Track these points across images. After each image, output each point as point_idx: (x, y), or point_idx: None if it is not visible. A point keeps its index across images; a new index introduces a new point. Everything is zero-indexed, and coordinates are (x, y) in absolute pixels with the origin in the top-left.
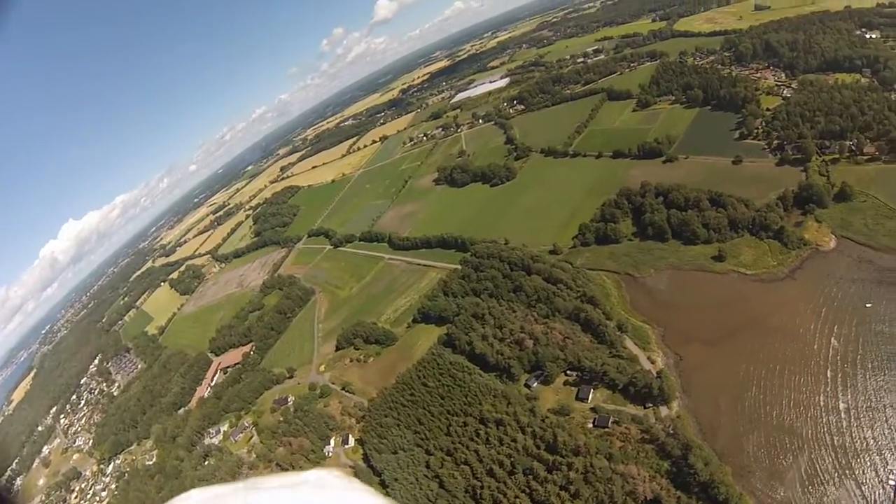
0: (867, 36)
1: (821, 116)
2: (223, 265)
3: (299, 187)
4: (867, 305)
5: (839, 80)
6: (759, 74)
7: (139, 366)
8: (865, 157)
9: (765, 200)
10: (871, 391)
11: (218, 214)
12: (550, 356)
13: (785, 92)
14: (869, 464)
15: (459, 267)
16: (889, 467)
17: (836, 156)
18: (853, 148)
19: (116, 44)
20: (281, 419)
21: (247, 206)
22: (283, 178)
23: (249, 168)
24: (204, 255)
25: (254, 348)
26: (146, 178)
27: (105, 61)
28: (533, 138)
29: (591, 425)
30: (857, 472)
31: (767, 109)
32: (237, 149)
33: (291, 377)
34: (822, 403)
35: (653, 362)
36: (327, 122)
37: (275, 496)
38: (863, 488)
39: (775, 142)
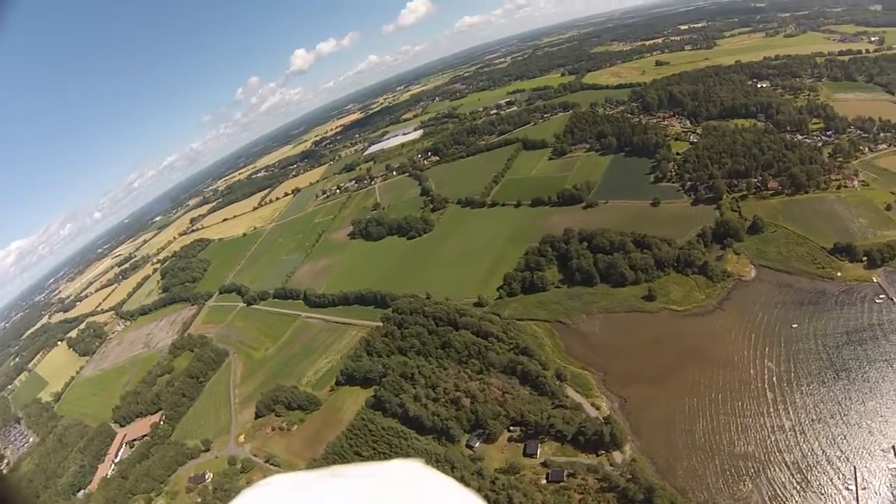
0: (759, 85)
1: (727, 158)
2: (128, 323)
3: (210, 240)
4: (793, 326)
5: (738, 125)
6: (666, 122)
7: (31, 439)
8: (770, 192)
9: (686, 238)
10: (811, 405)
11: (123, 267)
12: (491, 413)
13: (691, 137)
14: (825, 474)
15: (381, 324)
16: (843, 473)
17: (745, 192)
18: (759, 185)
19: (24, 82)
20: (199, 500)
21: (154, 259)
22: (193, 231)
23: (158, 218)
24: (107, 311)
25: (164, 417)
26: (46, 223)
27: (7, 98)
28: (449, 189)
29: (544, 481)
30: (815, 484)
31: (678, 154)
32: (146, 197)
33: (208, 450)
34: (768, 424)
35: (598, 408)
36: (239, 173)
37: (359, 483)
38: (825, 499)
39: (688, 183)
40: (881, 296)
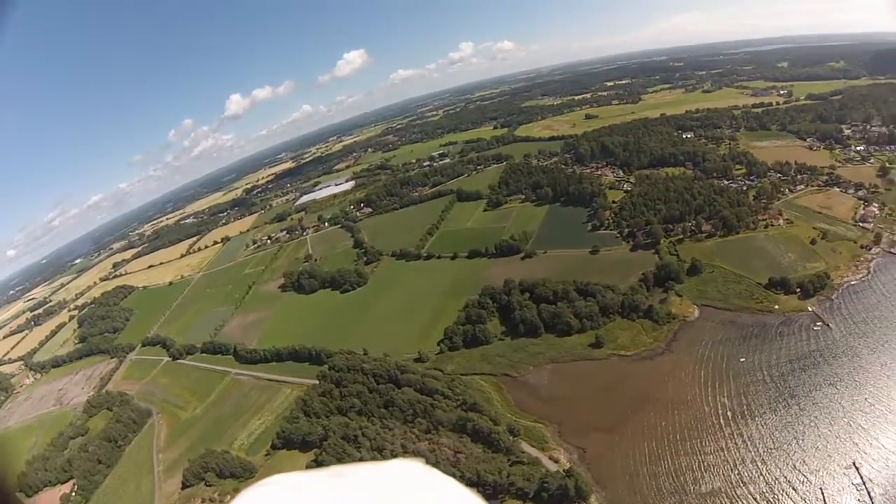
0: (684, 136)
1: (661, 204)
2: (38, 376)
3: (134, 288)
4: (741, 360)
5: (669, 173)
6: (599, 172)
7: None
8: (705, 235)
9: (628, 283)
10: (768, 434)
11: (36, 312)
12: (445, 474)
13: (625, 186)
14: (792, 500)
15: (318, 382)
16: (810, 497)
17: (681, 236)
18: (693, 228)
19: None
20: None
21: (72, 305)
22: (115, 276)
23: (79, 261)
24: (15, 361)
25: (76, 488)
26: None
27: None
28: (383, 241)
29: None
30: None
31: (613, 202)
32: (66, 237)
33: None
34: (730, 459)
35: (556, 461)
36: (167, 218)
37: (361, 483)
38: None
39: (626, 230)
40: (818, 323)
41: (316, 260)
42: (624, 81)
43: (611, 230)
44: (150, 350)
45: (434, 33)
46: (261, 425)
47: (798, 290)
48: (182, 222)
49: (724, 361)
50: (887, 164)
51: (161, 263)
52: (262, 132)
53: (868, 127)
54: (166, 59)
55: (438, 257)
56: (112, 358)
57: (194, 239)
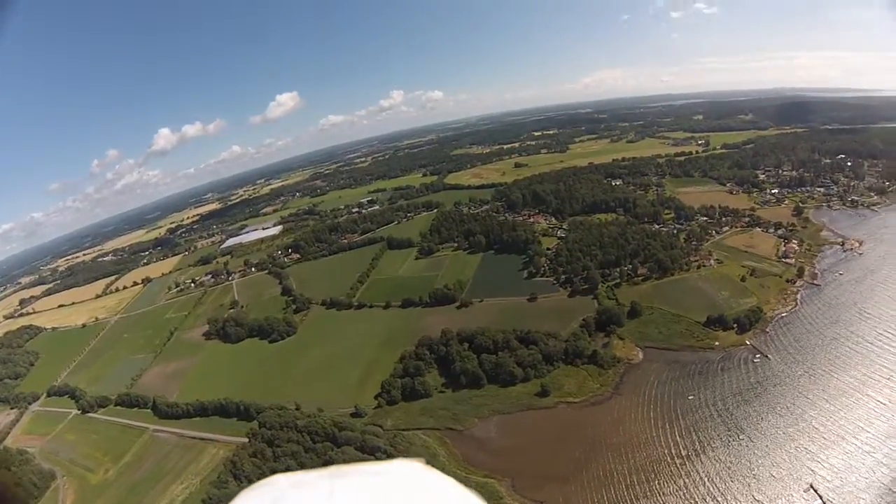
0: (613, 183)
1: (597, 250)
2: None
3: (41, 329)
4: (689, 398)
5: (602, 219)
6: (532, 219)
7: None
8: (641, 278)
9: (569, 330)
10: (723, 468)
11: None
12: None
13: (559, 233)
14: None
15: (248, 441)
16: None
17: (618, 280)
18: (630, 272)
19: None
20: None
21: None
22: (21, 314)
23: None
24: None
25: None
26: None
27: None
28: (312, 289)
29: None
30: None
31: (548, 249)
32: None
33: None
34: (690, 497)
35: None
36: (84, 254)
37: (362, 483)
38: None
39: (563, 276)
40: (757, 355)
41: (242, 307)
42: (551, 132)
43: (547, 277)
44: (57, 401)
45: (367, 80)
46: (184, 491)
47: (735, 325)
48: (100, 259)
49: (673, 400)
50: (800, 205)
51: (74, 303)
52: (189, 170)
53: (780, 172)
54: (94, 84)
55: (370, 306)
56: (12, 408)
57: (112, 278)
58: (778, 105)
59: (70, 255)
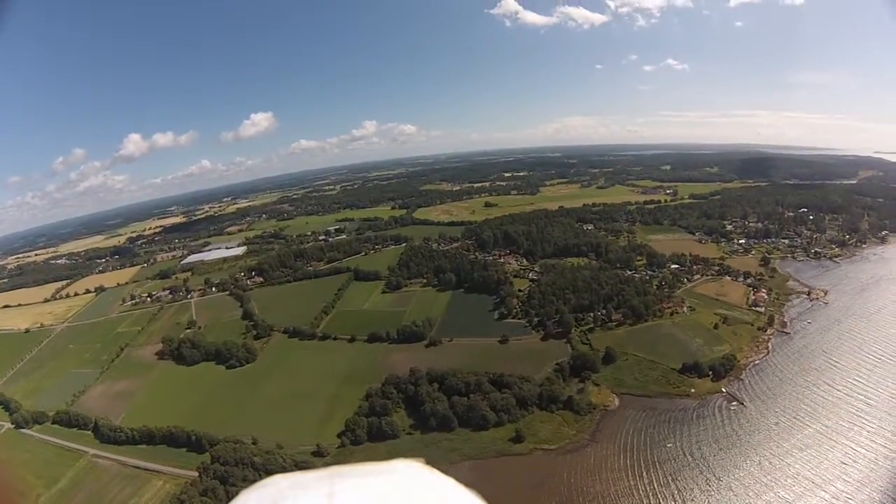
0: (584, 227)
1: (570, 293)
2: None
3: None
4: (668, 445)
5: (574, 263)
6: (502, 260)
7: None
8: (615, 323)
9: (543, 374)
10: None
11: None
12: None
13: (531, 275)
14: None
15: (198, 476)
16: None
17: (592, 325)
18: (604, 317)
19: None
20: None
21: None
22: None
23: None
24: None
25: None
26: None
27: None
28: (275, 316)
29: None
30: None
31: (520, 290)
32: None
33: None
34: None
35: None
36: (36, 254)
37: (362, 483)
38: None
39: (535, 319)
40: (733, 402)
41: (200, 328)
42: (522, 173)
43: (519, 319)
44: None
45: (341, 107)
46: None
47: (710, 372)
48: (53, 262)
49: (650, 448)
50: (767, 255)
51: (19, 305)
52: (156, 180)
53: (746, 223)
54: (67, 78)
55: (335, 338)
56: None
57: (64, 283)
58: (742, 160)
59: (22, 252)
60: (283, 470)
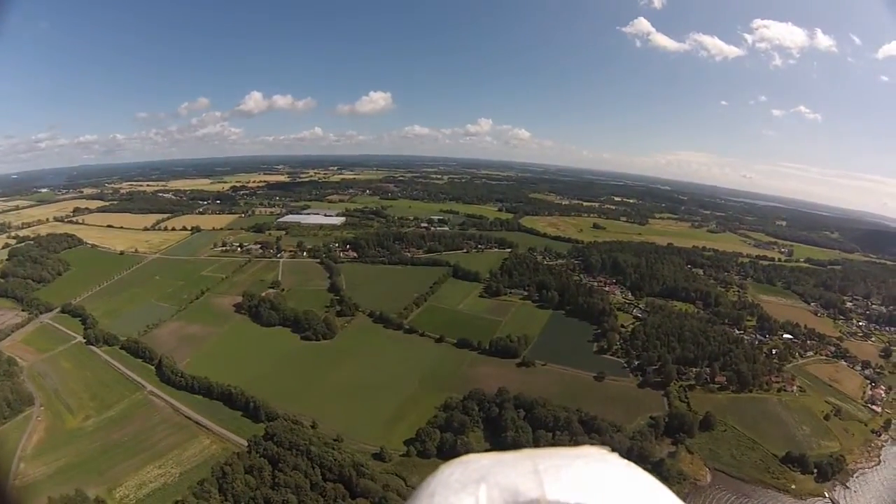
0: (694, 271)
1: (675, 342)
2: None
3: (82, 242)
4: None
5: (682, 308)
6: (607, 288)
7: None
8: (717, 386)
9: (633, 425)
10: None
11: None
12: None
13: (634, 311)
14: None
15: (246, 446)
16: None
17: (692, 382)
18: (706, 376)
19: None
20: None
21: (13, 233)
22: (70, 221)
23: (45, 190)
24: None
25: None
26: None
27: None
28: (362, 295)
29: None
30: None
31: (623, 326)
32: (47, 163)
33: None
34: None
35: None
36: (148, 185)
37: (564, 464)
38: None
39: (635, 362)
40: None
41: (283, 290)
42: (631, 200)
43: (618, 357)
44: (68, 320)
45: (460, 101)
46: (158, 477)
47: (815, 470)
48: (160, 195)
49: None
50: (889, 345)
51: (122, 227)
52: (268, 137)
53: (869, 303)
54: (203, 29)
55: (422, 334)
56: (23, 310)
57: (165, 216)
58: (865, 230)
59: (136, 181)
60: (339, 468)
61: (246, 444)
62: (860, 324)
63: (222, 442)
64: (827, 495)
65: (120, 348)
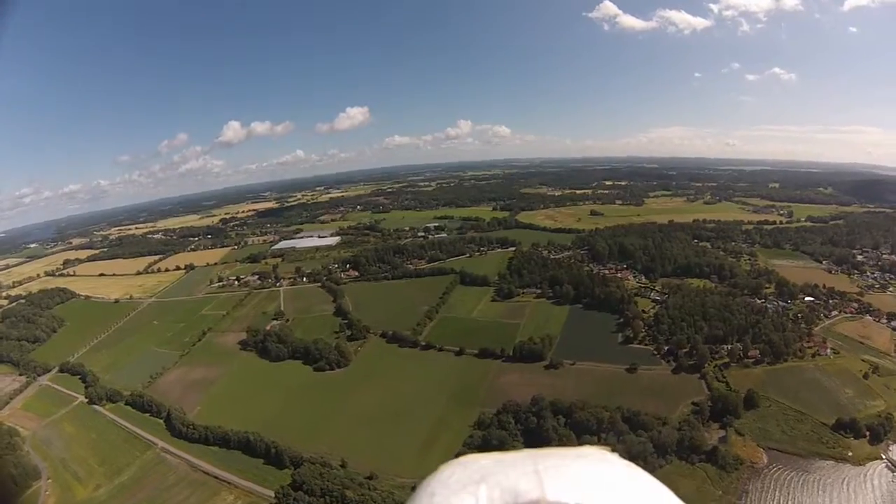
0: (702, 245)
1: (701, 320)
2: None
3: (74, 294)
4: None
5: (698, 285)
6: (620, 275)
7: None
8: (752, 360)
9: (678, 414)
10: None
11: None
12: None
13: (653, 295)
14: None
15: (274, 499)
16: None
17: (727, 360)
18: (740, 352)
19: None
20: None
21: (3, 294)
22: (61, 274)
23: (34, 245)
24: None
25: None
26: None
27: None
28: (371, 315)
29: None
30: None
31: (644, 311)
32: (32, 218)
33: None
34: None
35: None
36: (136, 228)
37: (564, 463)
38: None
39: (664, 347)
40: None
41: (288, 320)
42: (622, 182)
43: (646, 345)
44: (68, 379)
45: (437, 105)
46: None
47: (867, 433)
48: (150, 236)
49: None
50: None
51: (114, 274)
52: (251, 166)
53: (880, 254)
54: (177, 67)
55: (440, 349)
56: (20, 374)
57: (157, 258)
58: (856, 181)
59: (124, 225)
60: None
61: (273, 495)
62: (874, 275)
63: (247, 496)
64: (884, 457)
65: (125, 404)
